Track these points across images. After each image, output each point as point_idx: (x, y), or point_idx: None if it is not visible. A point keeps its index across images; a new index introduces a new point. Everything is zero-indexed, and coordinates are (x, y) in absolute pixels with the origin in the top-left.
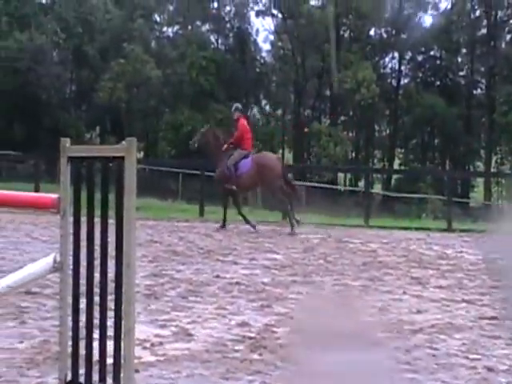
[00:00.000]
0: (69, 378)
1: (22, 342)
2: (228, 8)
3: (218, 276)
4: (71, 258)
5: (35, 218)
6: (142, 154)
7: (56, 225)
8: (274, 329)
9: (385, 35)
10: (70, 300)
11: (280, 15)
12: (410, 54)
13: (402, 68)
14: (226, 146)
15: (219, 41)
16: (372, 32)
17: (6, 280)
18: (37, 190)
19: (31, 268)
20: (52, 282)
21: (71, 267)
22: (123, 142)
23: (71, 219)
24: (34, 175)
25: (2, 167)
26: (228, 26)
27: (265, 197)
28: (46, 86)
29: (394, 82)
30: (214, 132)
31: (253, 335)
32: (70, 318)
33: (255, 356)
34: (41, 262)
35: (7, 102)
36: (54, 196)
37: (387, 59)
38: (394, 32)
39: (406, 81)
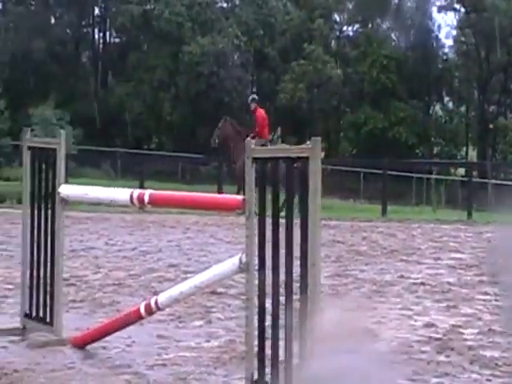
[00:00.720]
0: (255, 377)
1: (208, 341)
2: (409, 4)
3: (402, 276)
4: (256, 258)
5: (218, 220)
6: (323, 153)
7: (239, 226)
8: (462, 330)
9: None
10: (255, 300)
11: (463, 9)
12: None
13: None
14: (249, 138)
15: (400, 38)
16: None
17: (193, 280)
18: (220, 192)
19: (217, 269)
20: (236, 282)
21: (257, 268)
22: (308, 142)
23: (256, 220)
24: (216, 177)
25: (186, 170)
26: (409, 22)
27: (449, 196)
28: (228, 89)
29: None
30: (231, 124)
31: (439, 336)
32: (255, 318)
33: (442, 358)
34: (227, 263)
35: (191, 106)
36: (240, 197)
37: None
38: None
39: None
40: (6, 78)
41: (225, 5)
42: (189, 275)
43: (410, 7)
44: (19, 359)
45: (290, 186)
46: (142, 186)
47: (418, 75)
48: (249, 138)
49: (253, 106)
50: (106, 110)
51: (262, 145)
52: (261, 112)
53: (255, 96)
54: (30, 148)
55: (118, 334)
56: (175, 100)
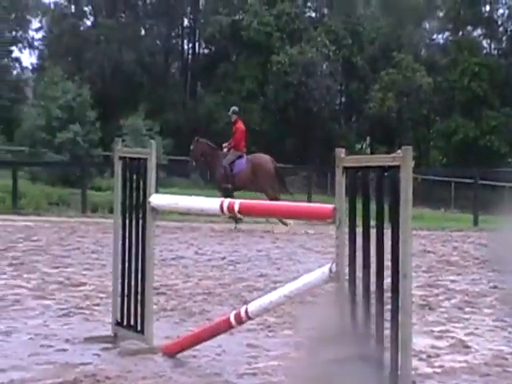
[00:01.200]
0: None
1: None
2: (501, 11)
3: (495, 287)
4: (347, 268)
5: (307, 228)
6: (413, 163)
7: (328, 235)
8: None
9: None
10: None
11: None
12: None
13: None
14: (226, 148)
15: (492, 45)
16: None
17: (282, 290)
18: (309, 201)
19: (307, 278)
20: (325, 291)
21: (347, 277)
22: (399, 151)
23: (347, 229)
24: (306, 186)
25: None
26: (501, 29)
27: None
28: (317, 99)
29: None
30: (202, 142)
31: None
32: None
33: None
34: (316, 273)
35: (279, 116)
36: (330, 206)
37: None
38: None
39: None
40: (97, 89)
41: (313, 14)
42: (278, 285)
43: (501, 14)
44: (111, 366)
45: (380, 195)
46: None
47: (511, 83)
48: (225, 149)
49: (233, 117)
50: (195, 119)
51: (239, 156)
52: (240, 124)
53: (236, 108)
54: (121, 158)
55: (208, 342)
56: (264, 110)
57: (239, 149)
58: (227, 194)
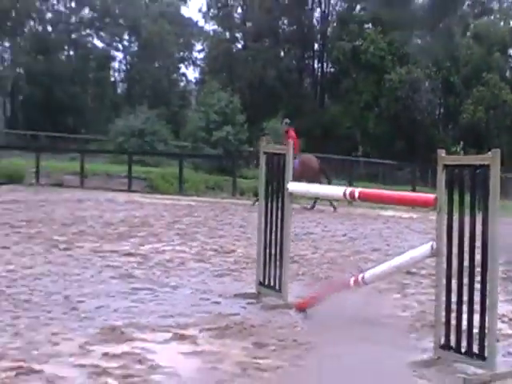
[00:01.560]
0: (442, 342)
1: (404, 311)
2: None
3: None
4: (445, 246)
5: (412, 214)
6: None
7: (428, 220)
8: None
9: None
10: (443, 280)
11: None
12: None
13: None
14: None
15: None
16: None
17: (392, 262)
18: (414, 192)
19: (412, 253)
20: (427, 264)
21: (445, 254)
22: (489, 153)
23: (445, 215)
24: (410, 180)
25: (385, 173)
26: None
27: None
28: (421, 110)
29: None
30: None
31: None
32: (443, 294)
33: None
34: (420, 249)
35: (390, 123)
36: (432, 196)
37: None
38: None
39: None
40: (245, 98)
41: (419, 41)
42: (388, 257)
43: None
44: (255, 317)
45: (473, 188)
46: (350, 186)
47: None
48: None
49: (285, 128)
50: (322, 125)
51: (294, 157)
52: (292, 132)
53: (288, 120)
54: (265, 153)
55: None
56: (378, 118)
57: (295, 151)
58: None
